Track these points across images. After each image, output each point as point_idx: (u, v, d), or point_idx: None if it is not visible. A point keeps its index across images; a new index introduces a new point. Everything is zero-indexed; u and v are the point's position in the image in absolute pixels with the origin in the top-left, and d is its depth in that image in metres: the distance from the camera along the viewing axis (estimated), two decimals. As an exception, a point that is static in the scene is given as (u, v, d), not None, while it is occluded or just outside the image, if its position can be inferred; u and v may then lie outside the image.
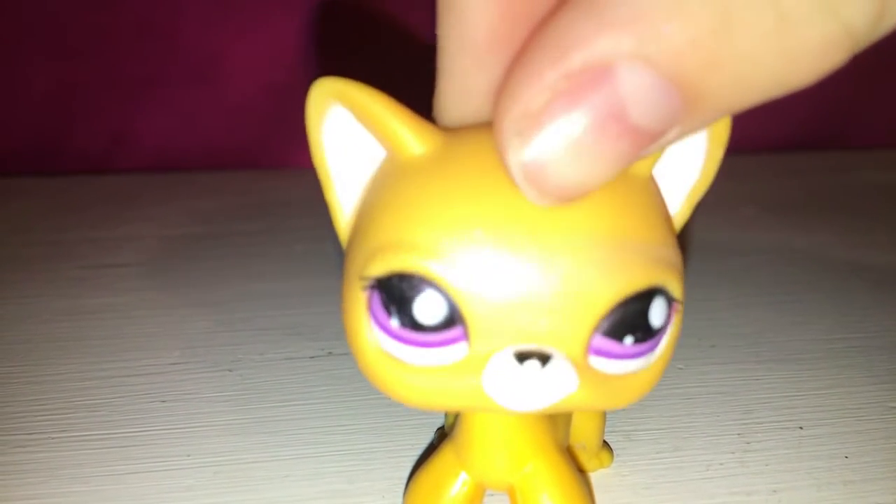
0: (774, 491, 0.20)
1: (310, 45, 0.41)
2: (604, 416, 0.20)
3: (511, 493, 0.16)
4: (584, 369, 0.12)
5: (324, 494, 0.19)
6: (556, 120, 0.11)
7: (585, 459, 0.20)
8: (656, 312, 0.13)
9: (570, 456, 0.17)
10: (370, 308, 0.13)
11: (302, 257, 0.32)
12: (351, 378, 0.24)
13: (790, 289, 0.30)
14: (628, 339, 0.12)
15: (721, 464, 0.20)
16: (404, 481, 0.20)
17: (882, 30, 0.11)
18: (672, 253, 0.13)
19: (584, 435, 0.19)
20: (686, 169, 0.14)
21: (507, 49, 0.13)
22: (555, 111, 0.11)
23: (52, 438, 0.21)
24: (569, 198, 0.12)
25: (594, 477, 0.20)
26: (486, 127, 0.13)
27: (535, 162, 0.11)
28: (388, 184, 0.13)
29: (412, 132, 0.13)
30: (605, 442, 0.20)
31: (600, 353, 0.12)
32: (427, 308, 0.12)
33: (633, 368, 0.13)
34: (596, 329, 0.12)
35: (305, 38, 0.40)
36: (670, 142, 0.12)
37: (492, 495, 0.18)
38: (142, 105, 0.41)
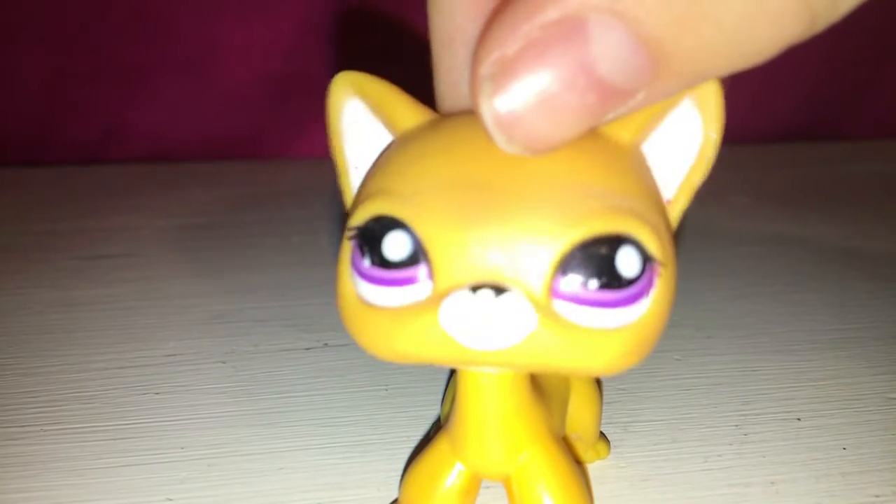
0: (772, 482, 0.19)
1: (306, 34, 0.40)
2: (600, 405, 0.20)
3: (507, 483, 0.16)
4: (547, 312, 0.12)
5: (319, 487, 0.19)
6: (527, 68, 0.11)
7: (582, 451, 0.20)
8: (625, 261, 0.13)
9: (565, 445, 0.17)
10: (352, 258, 0.13)
11: (298, 248, 0.32)
12: (347, 370, 0.24)
13: (787, 279, 0.30)
14: (592, 283, 0.12)
15: (719, 455, 0.20)
16: (400, 473, 0.20)
17: (840, 11, 0.11)
18: (645, 209, 0.13)
19: (580, 426, 0.19)
20: (682, 154, 0.14)
21: None
22: (526, 59, 0.11)
23: (45, 431, 0.21)
24: (537, 148, 0.12)
25: (591, 468, 0.20)
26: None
27: (505, 108, 0.12)
28: (382, 156, 0.14)
29: (407, 110, 0.14)
30: (601, 433, 0.20)
31: (566, 297, 0.12)
32: (394, 245, 0.13)
33: (611, 322, 0.13)
34: (557, 270, 0.12)
35: (302, 27, 0.40)
36: (639, 105, 0.12)
37: (488, 486, 0.18)
38: (137, 95, 0.41)
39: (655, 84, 0.12)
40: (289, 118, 0.42)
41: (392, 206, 0.13)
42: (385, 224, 0.13)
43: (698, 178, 0.14)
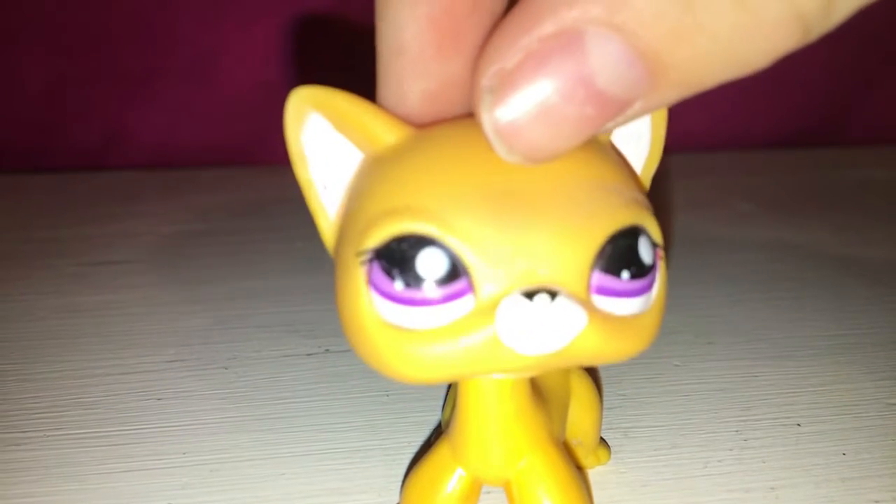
0: (772, 488, 0.19)
1: (307, 40, 0.40)
2: (600, 411, 0.20)
3: (507, 488, 0.16)
4: (589, 307, 0.13)
5: (320, 492, 0.19)
6: (526, 79, 0.12)
7: (582, 456, 0.20)
8: (644, 249, 0.13)
9: (566, 450, 0.17)
10: (371, 280, 0.13)
11: (299, 254, 0.32)
12: (348, 375, 0.24)
13: (787, 285, 0.30)
14: (625, 274, 0.13)
15: (719, 461, 0.20)
16: (401, 479, 0.20)
17: (832, 20, 0.11)
18: (644, 198, 0.14)
19: (580, 431, 0.19)
20: (637, 143, 0.15)
21: (438, 56, 0.14)
22: (526, 71, 0.12)
23: (48, 436, 0.21)
24: (536, 158, 0.12)
25: (591, 474, 0.20)
26: (455, 119, 0.14)
27: (506, 119, 0.12)
28: (370, 173, 0.14)
29: (383, 123, 0.14)
30: (602, 438, 0.20)
31: (602, 290, 0.13)
32: (429, 263, 0.12)
33: (635, 309, 0.13)
34: (593, 266, 0.13)
35: (302, 33, 0.40)
36: (635, 115, 0.12)
37: (489, 492, 0.18)
38: (138, 101, 0.41)
39: (652, 94, 0.12)
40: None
41: (418, 224, 0.13)
42: (413, 243, 0.12)
43: (653, 168, 0.16)
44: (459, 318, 0.13)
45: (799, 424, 0.22)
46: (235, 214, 0.36)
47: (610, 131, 0.14)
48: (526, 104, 0.12)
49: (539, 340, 0.12)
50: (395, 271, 0.13)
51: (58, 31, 0.39)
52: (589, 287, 0.13)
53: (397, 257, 0.13)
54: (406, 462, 0.20)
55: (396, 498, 0.19)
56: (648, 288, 0.13)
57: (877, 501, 0.19)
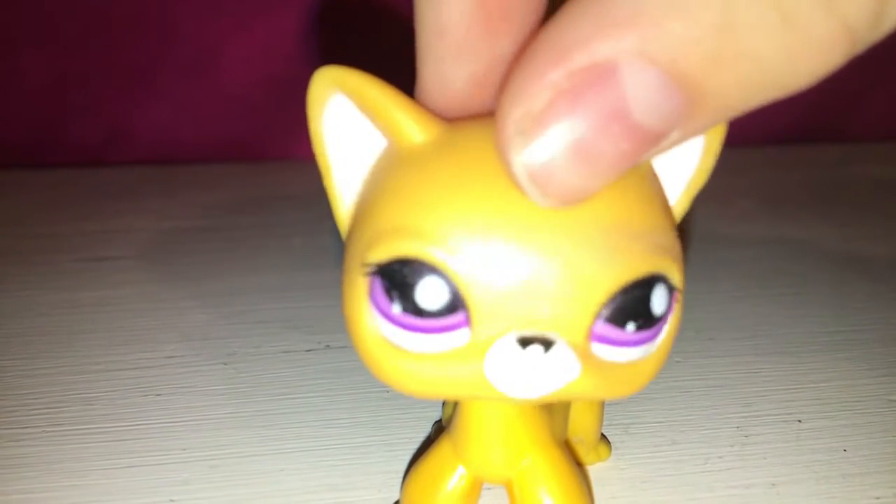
0: (773, 484, 0.19)
1: (308, 36, 0.40)
2: (602, 409, 0.20)
3: (509, 486, 0.16)
4: (586, 356, 0.12)
5: (320, 488, 0.19)
6: (558, 119, 0.11)
7: (583, 453, 0.20)
8: (658, 300, 0.13)
9: (568, 449, 0.17)
10: (371, 295, 0.13)
11: (299, 251, 0.32)
12: (348, 371, 0.24)
13: (788, 281, 0.30)
14: (630, 326, 0.12)
15: (719, 457, 0.20)
16: (401, 475, 0.20)
17: (881, 31, 0.11)
18: (672, 241, 0.13)
19: (581, 429, 0.19)
20: (684, 161, 0.14)
21: (483, 37, 0.13)
22: (557, 110, 0.11)
23: (47, 432, 0.21)
24: (572, 200, 0.12)
25: (592, 470, 0.20)
26: (487, 118, 0.13)
27: (538, 162, 0.11)
28: (389, 171, 0.13)
29: (413, 120, 0.13)
30: (602, 435, 0.20)
31: (602, 339, 0.12)
32: (429, 293, 0.12)
33: (634, 357, 0.13)
34: (598, 316, 0.12)
35: (304, 29, 0.40)
36: (672, 144, 0.12)
37: (489, 489, 0.18)
38: (139, 97, 0.41)
39: (690, 123, 0.11)
40: (290, 120, 0.42)
41: (422, 249, 0.12)
42: (416, 269, 0.12)
43: (699, 185, 0.14)
44: (453, 349, 0.12)
45: (800, 421, 0.22)
46: (235, 211, 0.36)
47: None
48: (559, 144, 0.11)
49: (527, 386, 0.12)
50: (395, 294, 0.12)
51: (59, 27, 0.39)
52: (589, 335, 0.12)
53: (398, 280, 0.12)
54: (407, 458, 0.20)
55: (397, 494, 0.19)
56: (653, 337, 0.13)
57: (878, 498, 0.19)
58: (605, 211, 0.12)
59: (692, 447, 0.21)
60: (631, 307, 0.12)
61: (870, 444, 0.21)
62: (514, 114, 0.11)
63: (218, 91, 0.41)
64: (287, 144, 0.42)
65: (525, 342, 0.12)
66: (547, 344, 0.12)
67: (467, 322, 0.12)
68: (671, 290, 0.13)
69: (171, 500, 0.19)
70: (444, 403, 0.21)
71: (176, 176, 0.40)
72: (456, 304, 0.12)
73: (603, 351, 0.13)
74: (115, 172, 0.41)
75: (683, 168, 0.14)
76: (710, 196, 0.15)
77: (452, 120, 0.13)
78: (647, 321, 0.13)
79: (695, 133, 0.12)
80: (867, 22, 0.10)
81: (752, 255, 0.32)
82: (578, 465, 0.17)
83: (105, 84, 0.40)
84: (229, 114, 0.42)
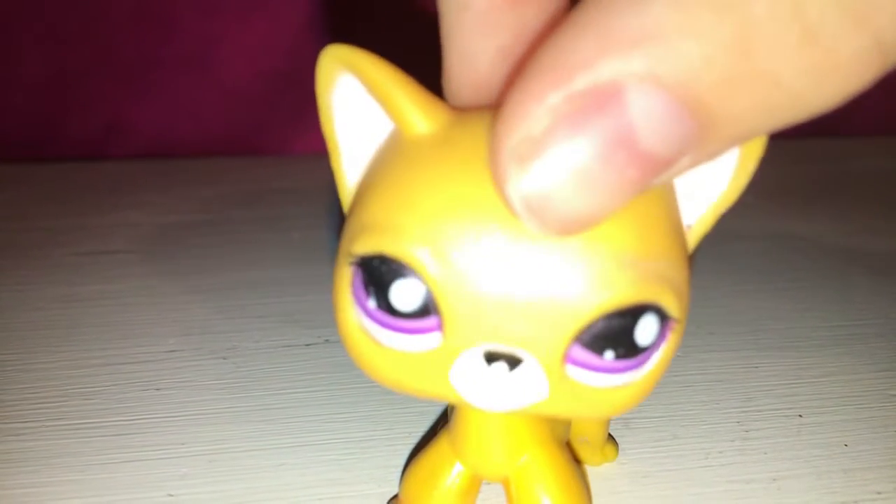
0: (774, 479, 0.19)
1: (307, 30, 0.40)
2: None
3: (506, 484, 0.16)
4: (558, 378, 0.12)
5: (319, 483, 0.19)
6: (559, 146, 0.10)
7: (589, 454, 0.20)
8: (643, 330, 0.12)
9: (566, 448, 0.17)
10: (353, 285, 0.13)
11: (298, 245, 0.32)
12: (347, 366, 0.24)
13: (790, 276, 0.30)
14: (609, 354, 0.12)
15: (720, 452, 0.20)
16: (400, 470, 0.20)
17: None
18: (672, 268, 0.12)
19: (586, 429, 0.19)
20: (713, 179, 0.13)
21: (508, 10, 0.12)
22: (558, 136, 0.10)
23: (46, 427, 0.21)
24: (573, 229, 0.11)
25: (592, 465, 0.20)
26: (491, 110, 0.13)
27: (536, 192, 0.10)
28: (387, 161, 0.13)
29: (418, 109, 0.12)
30: (610, 436, 0.20)
31: (577, 363, 0.12)
32: (404, 294, 0.12)
33: (615, 383, 0.12)
34: (575, 339, 0.12)
35: (302, 23, 0.40)
36: (683, 170, 0.11)
37: (489, 485, 0.18)
38: (138, 92, 0.41)
39: (702, 149, 0.10)
40: (289, 114, 0.42)
41: (403, 249, 0.12)
42: (394, 268, 0.12)
43: (728, 204, 0.13)
44: (423, 350, 0.12)
45: (800, 415, 0.22)
46: (234, 205, 0.36)
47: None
48: (558, 172, 0.10)
49: (490, 399, 0.12)
50: (372, 289, 0.12)
51: (57, 21, 0.39)
52: (564, 357, 0.12)
53: (375, 277, 0.12)
54: (406, 453, 0.20)
55: (395, 489, 0.19)
56: (636, 367, 0.12)
57: (879, 493, 0.19)
58: (598, 233, 0.11)
59: (693, 442, 0.21)
60: (611, 336, 0.12)
61: (871, 439, 0.21)
62: (511, 139, 0.10)
63: (216, 85, 0.41)
64: (286, 138, 0.42)
65: (492, 358, 0.12)
66: (514, 362, 0.12)
67: (439, 327, 0.12)
68: (665, 319, 0.12)
69: (170, 495, 0.19)
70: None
71: (175, 170, 0.40)
72: (429, 309, 0.12)
73: (578, 374, 0.12)
74: (113, 166, 0.40)
75: (711, 185, 0.13)
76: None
77: (461, 110, 0.13)
78: (629, 351, 0.12)
79: (708, 158, 0.11)
80: None
81: (754, 250, 0.32)
82: (578, 463, 0.17)
83: (103, 79, 0.40)
84: (228, 108, 0.42)
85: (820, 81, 0.10)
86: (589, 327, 0.12)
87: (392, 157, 0.13)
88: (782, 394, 0.23)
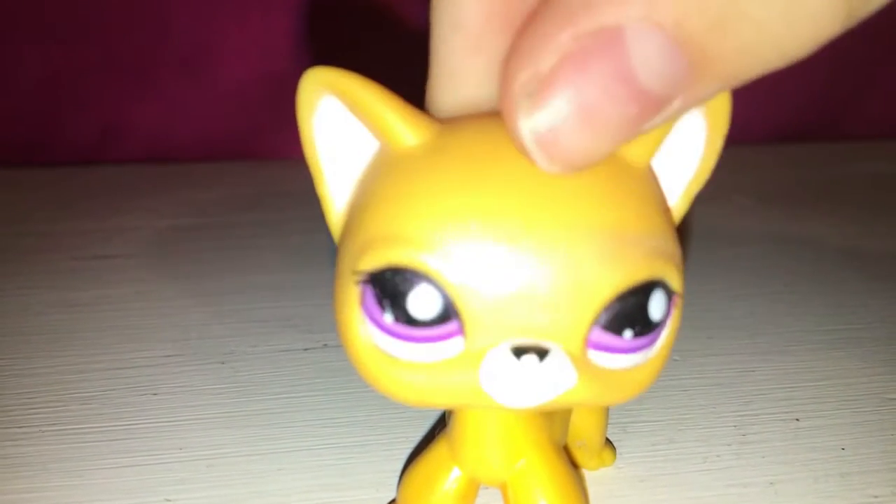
0: (771, 483, 0.19)
1: (304, 33, 0.40)
2: (605, 414, 0.19)
3: (503, 488, 0.16)
4: (582, 364, 0.12)
5: (317, 487, 0.19)
6: (565, 82, 0.11)
7: (586, 458, 0.20)
8: (656, 306, 0.12)
9: (564, 452, 0.17)
10: (363, 303, 0.12)
11: (297, 249, 0.32)
12: (345, 370, 0.24)
13: (787, 279, 0.30)
14: (627, 333, 0.12)
15: (717, 456, 0.20)
16: (398, 474, 0.20)
17: (873, 5, 0.11)
18: (671, 245, 0.13)
19: (584, 433, 0.19)
20: (684, 160, 0.14)
21: (500, 32, 0.13)
22: (565, 73, 0.11)
23: (44, 431, 0.21)
24: (578, 165, 0.12)
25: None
26: (480, 117, 0.13)
27: (545, 125, 0.11)
28: (380, 176, 0.13)
29: (405, 123, 0.13)
30: (608, 440, 0.20)
31: (599, 347, 0.12)
32: (421, 302, 0.12)
33: (632, 363, 0.13)
34: (594, 323, 0.12)
35: (300, 26, 0.40)
36: (675, 112, 0.12)
37: (486, 490, 0.18)
38: (135, 95, 0.41)
39: (692, 90, 0.11)
40: (287, 118, 0.42)
41: (414, 257, 0.12)
42: (408, 278, 0.12)
43: (700, 184, 0.14)
44: (446, 358, 0.12)
45: (798, 419, 0.22)
46: (232, 209, 0.36)
47: (645, 133, 0.12)
48: (565, 108, 0.11)
49: (522, 396, 0.12)
50: (387, 303, 0.12)
51: (54, 23, 0.39)
52: (586, 342, 0.12)
53: (389, 290, 0.12)
54: (403, 458, 0.20)
55: (393, 494, 0.19)
56: (651, 343, 0.13)
57: (876, 496, 0.19)
58: (602, 215, 0.12)
59: (690, 446, 0.21)
60: (628, 314, 0.12)
61: (868, 443, 0.21)
62: (521, 76, 0.11)
63: (215, 88, 0.41)
64: (284, 141, 0.42)
65: (520, 352, 0.12)
66: (542, 353, 0.12)
67: (461, 331, 0.12)
68: (670, 294, 0.13)
69: (168, 500, 0.19)
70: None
71: (172, 174, 0.40)
72: (449, 313, 0.12)
73: (600, 358, 0.12)
74: (111, 170, 0.40)
75: (684, 168, 0.14)
76: (708, 194, 0.15)
77: (446, 120, 0.13)
78: (645, 327, 0.12)
79: (697, 101, 0.12)
80: None
81: (751, 253, 0.32)
82: (575, 467, 0.17)
83: (101, 82, 0.40)
84: (226, 111, 0.42)
85: (793, 27, 0.11)
86: (607, 309, 0.12)
87: (384, 173, 0.13)
88: (779, 398, 0.23)
